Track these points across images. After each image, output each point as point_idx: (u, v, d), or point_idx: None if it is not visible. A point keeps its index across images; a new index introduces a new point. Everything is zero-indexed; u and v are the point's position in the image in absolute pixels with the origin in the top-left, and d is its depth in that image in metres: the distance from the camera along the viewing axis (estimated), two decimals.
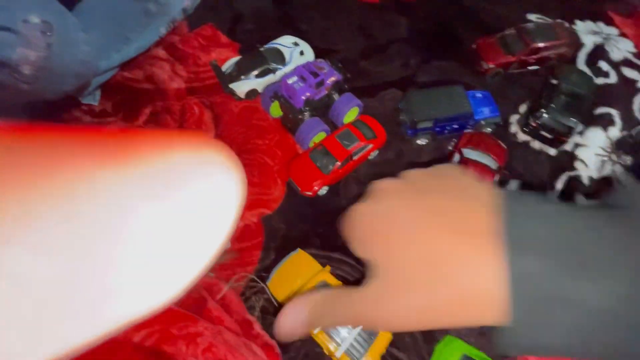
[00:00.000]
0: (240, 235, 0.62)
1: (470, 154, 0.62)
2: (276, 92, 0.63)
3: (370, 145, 0.62)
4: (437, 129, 0.63)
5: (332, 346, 0.43)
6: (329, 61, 0.66)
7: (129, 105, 0.76)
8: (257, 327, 0.48)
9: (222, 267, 0.58)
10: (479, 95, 0.67)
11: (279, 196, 0.65)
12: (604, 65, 0.77)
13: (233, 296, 0.50)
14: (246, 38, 0.82)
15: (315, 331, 0.44)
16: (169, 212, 0.12)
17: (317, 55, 0.75)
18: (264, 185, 0.67)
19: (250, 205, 0.65)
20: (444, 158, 0.67)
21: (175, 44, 0.80)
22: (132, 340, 0.36)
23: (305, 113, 0.63)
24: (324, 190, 0.60)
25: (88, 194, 0.11)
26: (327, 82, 0.63)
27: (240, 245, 0.61)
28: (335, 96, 0.66)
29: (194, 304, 0.44)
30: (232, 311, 0.48)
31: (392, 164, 0.67)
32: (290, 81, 0.61)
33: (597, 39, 0.80)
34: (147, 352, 0.36)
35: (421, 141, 0.66)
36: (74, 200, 0.11)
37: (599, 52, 0.78)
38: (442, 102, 0.63)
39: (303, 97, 0.60)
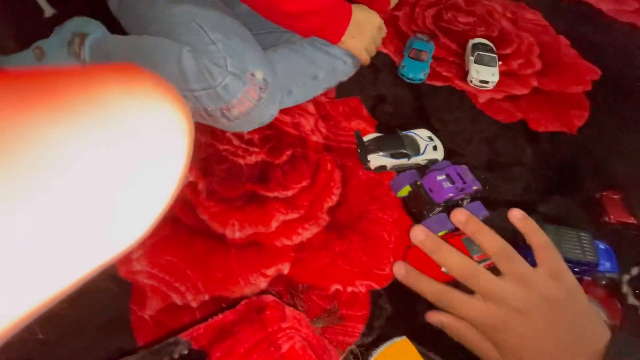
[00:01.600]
0: (348, 301, 0.63)
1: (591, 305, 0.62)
2: (416, 181, 0.69)
3: (489, 261, 0.64)
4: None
5: None
6: (469, 169, 0.72)
7: (274, 142, 0.85)
8: None
9: (326, 331, 0.59)
10: (602, 247, 0.69)
11: (390, 275, 0.68)
12: None
13: None
14: (384, 118, 0.92)
15: None
16: (107, 159, 0.11)
17: (447, 157, 0.81)
18: (377, 258, 0.69)
19: (361, 273, 0.67)
20: None
21: (323, 104, 0.90)
22: None
23: (439, 208, 0.67)
24: None
25: (17, 143, 0.10)
26: (470, 189, 0.68)
27: (346, 311, 0.62)
28: (466, 201, 0.71)
29: None
30: None
31: None
32: (439, 178, 0.66)
33: None
34: None
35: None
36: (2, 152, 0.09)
37: None
38: (572, 244, 0.65)
39: (446, 196, 0.65)
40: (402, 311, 0.62)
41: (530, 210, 0.83)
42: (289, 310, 0.45)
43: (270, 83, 0.72)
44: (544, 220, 0.80)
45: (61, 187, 0.11)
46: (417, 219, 0.70)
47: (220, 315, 0.43)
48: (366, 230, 0.72)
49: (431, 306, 0.65)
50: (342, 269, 0.67)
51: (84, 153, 0.11)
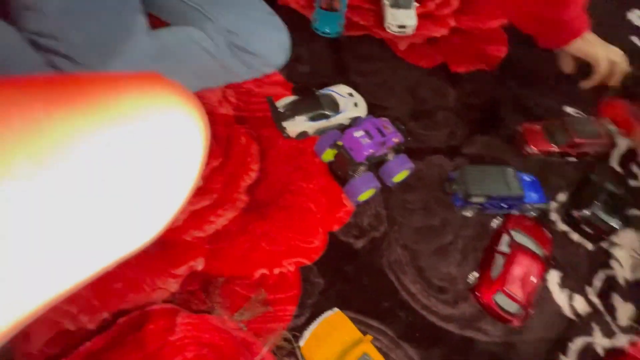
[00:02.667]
0: (276, 284, 0.57)
1: (518, 237, 0.61)
2: (336, 141, 0.62)
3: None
4: (487, 205, 0.63)
5: None
6: (389, 121, 0.66)
7: None
8: None
9: (254, 321, 0.52)
10: (527, 179, 0.68)
11: (320, 247, 0.62)
12: (635, 168, 0.81)
13: (271, 358, 0.45)
14: (300, 79, 0.83)
15: None
16: (125, 157, 0.12)
17: (368, 109, 0.76)
18: (304, 233, 0.63)
19: (288, 251, 0.61)
20: (486, 233, 0.66)
21: None
22: None
23: (362, 167, 0.61)
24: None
25: (41, 141, 0.11)
26: (391, 142, 0.62)
27: (274, 295, 0.56)
28: (390, 155, 0.66)
29: None
30: None
31: (436, 231, 0.65)
32: (356, 134, 0.60)
33: (630, 143, 0.84)
34: None
35: (467, 213, 0.65)
36: (25, 151, 0.10)
37: (630, 155, 0.82)
38: (496, 181, 0.63)
39: (366, 153, 0.59)
40: (335, 281, 0.57)
41: (455, 153, 0.79)
42: (182, 318, 0.36)
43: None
44: (470, 161, 0.77)
45: (75, 181, 0.12)
46: (344, 182, 0.63)
47: (88, 344, 0.33)
48: (290, 205, 0.64)
49: (361, 270, 0.59)
50: (266, 251, 0.59)
51: (103, 150, 0.12)
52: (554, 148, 0.78)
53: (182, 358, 0.30)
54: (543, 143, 0.78)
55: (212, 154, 0.70)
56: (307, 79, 0.83)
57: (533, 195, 0.67)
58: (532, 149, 0.77)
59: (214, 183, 0.65)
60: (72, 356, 0.32)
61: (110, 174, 0.12)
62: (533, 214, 0.68)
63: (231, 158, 0.69)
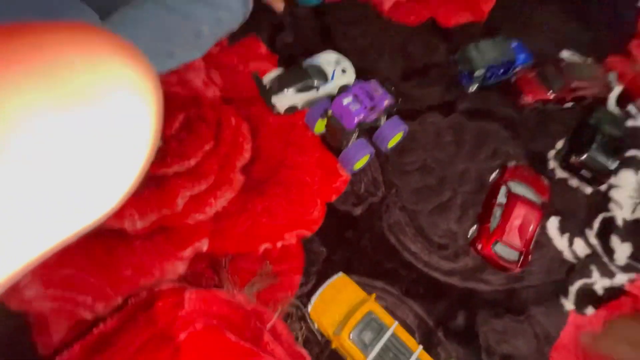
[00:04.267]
0: (280, 256, 0.59)
1: (516, 188, 0.61)
2: (326, 110, 0.61)
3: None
4: (488, 75, 0.67)
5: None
6: (379, 83, 0.65)
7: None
8: None
9: (263, 292, 0.54)
10: (514, 44, 0.77)
11: (319, 217, 0.63)
12: (633, 108, 0.79)
13: (282, 326, 0.47)
14: (285, 50, 0.80)
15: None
16: (65, 147, 0.11)
17: (358, 74, 0.74)
18: (303, 205, 0.64)
19: (289, 224, 0.62)
20: (485, 188, 0.66)
21: (215, 54, 0.77)
22: None
23: (354, 134, 0.61)
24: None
25: None
26: (381, 105, 0.61)
27: (279, 267, 0.58)
28: (383, 119, 0.65)
29: (251, 336, 0.41)
30: (283, 342, 0.44)
31: (434, 190, 0.65)
32: (345, 101, 0.59)
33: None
34: None
35: (473, 88, 0.69)
36: None
37: (627, 96, 0.80)
38: (492, 51, 0.68)
39: (356, 120, 0.58)
40: (337, 249, 0.58)
41: (451, 109, 0.78)
42: (190, 293, 0.38)
43: None
44: (468, 118, 0.76)
45: (12, 157, 0.10)
46: (338, 151, 0.63)
47: (101, 325, 0.35)
48: (286, 179, 0.65)
49: (362, 235, 0.60)
50: (267, 226, 0.60)
51: (43, 121, 0.10)
52: (550, 95, 0.76)
53: (192, 329, 0.32)
54: (538, 91, 0.76)
55: (203, 137, 0.70)
56: (292, 49, 0.80)
57: (522, 56, 0.72)
58: (528, 99, 0.75)
59: (209, 166, 0.65)
60: (87, 338, 0.33)
61: (50, 164, 0.11)
62: (529, 73, 0.71)
63: (223, 140, 0.69)
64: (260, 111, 0.73)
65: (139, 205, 0.62)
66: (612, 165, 0.65)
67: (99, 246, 0.57)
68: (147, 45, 0.63)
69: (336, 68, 0.75)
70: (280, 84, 0.71)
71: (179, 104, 0.72)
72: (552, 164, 0.71)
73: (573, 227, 0.64)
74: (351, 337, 0.42)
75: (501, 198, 0.59)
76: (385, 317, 0.45)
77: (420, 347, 0.43)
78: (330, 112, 0.63)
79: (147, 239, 0.59)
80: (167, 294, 0.37)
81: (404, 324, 0.51)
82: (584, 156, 0.66)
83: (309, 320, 0.49)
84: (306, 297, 0.53)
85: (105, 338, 0.34)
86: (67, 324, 0.50)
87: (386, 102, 0.64)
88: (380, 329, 0.44)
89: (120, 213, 0.62)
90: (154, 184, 0.64)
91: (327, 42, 0.83)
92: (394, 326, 0.43)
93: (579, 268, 0.58)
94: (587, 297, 0.57)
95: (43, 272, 0.55)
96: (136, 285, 0.52)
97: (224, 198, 0.63)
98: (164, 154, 0.67)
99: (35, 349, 0.48)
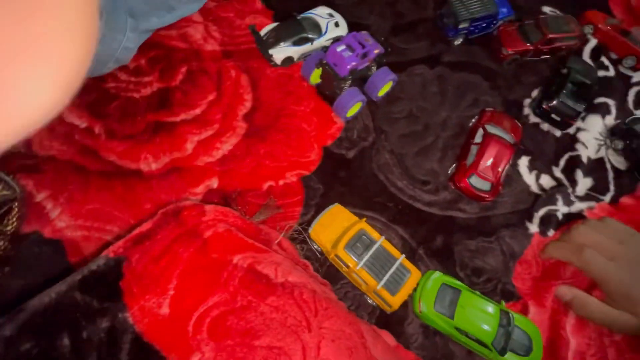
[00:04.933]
0: (282, 192, 0.67)
1: (492, 129, 0.69)
2: (321, 60, 0.67)
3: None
4: (472, 28, 0.73)
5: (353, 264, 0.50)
6: (369, 34, 0.70)
7: (164, 62, 0.77)
8: (311, 269, 0.55)
9: (268, 220, 0.63)
10: None
11: (316, 159, 0.71)
12: (605, 60, 0.86)
13: (287, 243, 0.56)
14: (280, 5, 0.84)
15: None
16: None
17: (349, 29, 0.79)
18: (301, 149, 0.71)
19: (289, 166, 0.70)
20: (464, 132, 0.74)
21: (211, 9, 0.81)
22: (232, 261, 0.41)
23: (347, 82, 0.67)
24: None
25: None
26: (372, 53, 0.67)
27: (283, 201, 0.66)
28: (374, 69, 0.71)
29: (263, 243, 0.49)
30: (288, 254, 0.54)
31: (419, 135, 0.73)
32: (339, 49, 0.65)
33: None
34: (246, 271, 0.41)
35: (457, 41, 0.76)
36: None
37: (601, 48, 0.86)
38: (476, 5, 0.73)
39: (349, 67, 0.64)
40: (332, 185, 0.66)
41: (435, 62, 0.84)
42: (210, 207, 0.46)
43: (103, 7, 0.58)
44: (450, 69, 0.83)
45: None
46: (332, 100, 0.70)
47: (138, 228, 0.43)
48: (286, 127, 0.72)
49: (354, 174, 0.69)
50: (270, 167, 0.68)
51: None
52: (529, 47, 0.82)
53: (214, 230, 0.40)
54: (518, 43, 0.82)
55: (206, 88, 0.75)
56: (286, 3, 0.84)
57: (504, 10, 0.78)
58: (508, 51, 0.82)
59: (213, 115, 0.72)
60: (126, 239, 0.41)
61: None
62: (511, 26, 0.77)
63: (225, 91, 0.75)
64: (259, 64, 0.79)
65: (152, 149, 0.69)
66: (580, 108, 0.73)
67: (119, 185, 0.65)
68: (149, 0, 0.67)
69: (329, 21, 0.80)
70: (277, 37, 0.76)
71: (181, 57, 0.77)
72: (527, 110, 0.79)
73: (541, 165, 0.73)
74: (345, 249, 0.51)
75: (478, 138, 0.67)
76: (374, 234, 0.54)
77: (403, 255, 0.53)
78: (324, 61, 0.69)
79: (162, 178, 0.67)
80: (189, 206, 0.45)
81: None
82: (555, 101, 0.74)
83: (309, 241, 0.58)
84: (307, 225, 0.62)
85: (143, 235, 0.42)
86: (97, 247, 0.58)
87: (376, 51, 0.70)
88: (370, 243, 0.53)
89: (136, 156, 0.69)
90: (164, 130, 0.71)
91: None
92: (381, 240, 0.52)
93: (546, 197, 0.68)
94: (549, 222, 0.67)
95: (71, 207, 0.63)
96: None
97: (229, 143, 0.70)
98: (171, 103, 0.73)
99: (71, 269, 0.57)
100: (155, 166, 0.66)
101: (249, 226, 0.48)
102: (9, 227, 0.47)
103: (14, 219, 0.47)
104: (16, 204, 0.48)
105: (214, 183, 0.66)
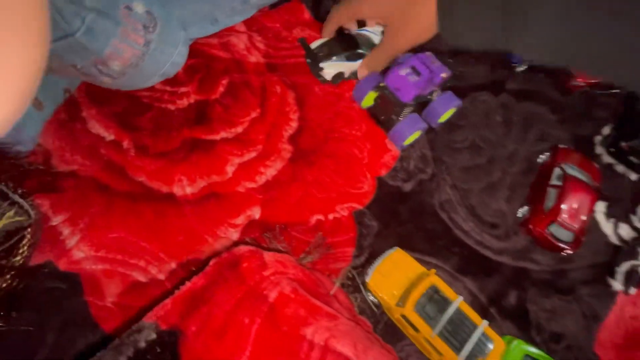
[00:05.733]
0: (332, 228, 0.58)
1: (569, 170, 0.60)
2: (380, 83, 0.59)
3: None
4: None
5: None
6: (434, 55, 0.62)
7: (203, 72, 0.69)
8: (369, 329, 0.45)
9: (317, 263, 0.53)
10: None
11: (370, 191, 0.61)
12: None
13: (342, 294, 0.46)
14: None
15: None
16: None
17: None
18: (353, 178, 0.62)
19: (340, 197, 0.61)
20: (533, 169, 0.66)
21: (256, 18, 0.73)
22: (305, 336, 0.32)
23: (408, 108, 0.59)
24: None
25: None
26: (439, 77, 0.59)
27: (332, 239, 0.57)
28: (436, 94, 0.62)
29: (324, 301, 0.40)
30: (345, 309, 0.44)
31: (484, 169, 0.65)
32: (402, 72, 0.56)
33: None
34: (323, 351, 0.32)
35: (522, 68, 0.68)
36: None
37: None
38: None
39: (414, 92, 0.56)
40: (388, 223, 0.57)
41: (500, 89, 0.76)
42: (268, 256, 0.37)
43: (159, 17, 0.50)
44: (515, 98, 0.74)
45: None
46: (388, 126, 0.61)
47: (188, 284, 0.33)
48: (335, 151, 0.63)
49: (413, 211, 0.60)
50: (318, 198, 0.58)
51: None
52: (598, 79, 0.74)
53: (279, 291, 0.31)
54: (588, 75, 0.74)
55: (249, 104, 0.67)
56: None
57: None
58: (578, 82, 0.74)
59: (257, 134, 0.63)
60: (178, 295, 0.32)
61: None
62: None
63: (269, 108, 0.66)
64: (306, 80, 0.70)
65: (187, 171, 0.60)
66: None
67: (148, 210, 0.55)
68: (193, 10, 0.59)
69: (383, 38, 0.72)
70: (329, 51, 0.68)
71: (222, 68, 0.69)
72: (599, 149, 0.70)
73: (619, 212, 0.64)
74: (415, 309, 0.41)
75: (555, 180, 0.58)
76: (448, 292, 0.44)
77: (485, 322, 0.43)
78: (383, 84, 0.61)
79: (197, 204, 0.58)
80: (249, 255, 0.35)
81: None
82: (635, 141, 0.66)
83: (364, 292, 0.48)
84: (360, 269, 0.52)
85: (197, 294, 0.32)
86: (121, 286, 0.48)
87: (444, 75, 0.62)
88: (444, 303, 0.43)
89: (169, 177, 0.60)
90: (201, 150, 0.62)
91: None
92: (458, 300, 0.42)
93: (627, 251, 0.59)
94: (632, 278, 0.57)
95: (92, 235, 0.53)
96: (189, 250, 0.50)
97: (274, 167, 0.61)
98: (210, 118, 0.64)
99: (87, 308, 0.47)
100: (191, 190, 0.56)
101: (309, 278, 0.39)
102: (17, 258, 0.37)
103: (25, 249, 0.38)
104: (29, 230, 0.38)
105: (256, 213, 0.56)
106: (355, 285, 0.52)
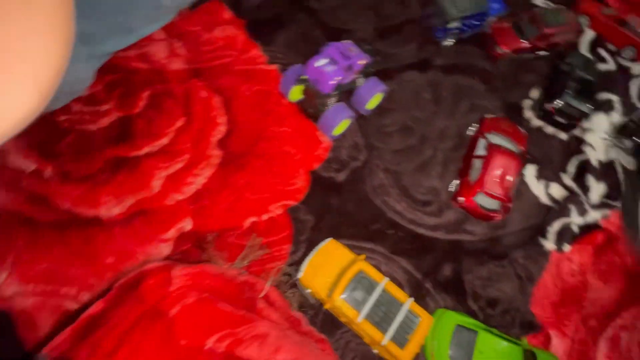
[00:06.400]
0: (267, 228, 0.58)
1: (495, 139, 0.62)
2: (300, 76, 0.58)
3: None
4: (463, 27, 0.67)
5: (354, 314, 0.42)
6: (352, 42, 0.62)
7: (123, 87, 0.67)
8: (304, 323, 0.46)
9: (254, 265, 0.54)
10: None
11: (304, 186, 0.62)
12: (603, 53, 0.79)
13: (275, 294, 0.47)
14: (252, 14, 0.75)
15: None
16: None
17: (331, 36, 0.70)
18: (286, 176, 0.62)
19: (273, 196, 0.61)
20: (464, 143, 0.67)
21: (174, 23, 0.71)
22: (205, 346, 0.32)
23: (332, 98, 0.59)
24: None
25: None
26: (358, 65, 0.59)
27: (268, 239, 0.57)
28: (360, 80, 0.62)
29: (245, 305, 0.40)
30: (277, 308, 0.45)
31: (415, 149, 0.65)
32: (318, 64, 0.56)
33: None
34: (224, 358, 0.32)
35: (448, 42, 0.68)
36: None
37: (598, 39, 0.80)
38: (465, 2, 0.66)
39: (333, 82, 0.56)
40: (323, 215, 0.58)
41: (427, 65, 0.76)
42: (178, 271, 0.37)
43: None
44: (444, 74, 0.75)
45: None
46: (316, 118, 0.61)
47: (90, 309, 0.33)
48: (267, 151, 0.62)
49: (347, 200, 0.60)
50: (251, 200, 0.58)
51: None
52: (525, 44, 0.75)
53: (184, 303, 0.31)
54: (513, 40, 0.75)
55: (172, 114, 0.66)
56: (259, 13, 0.75)
57: (494, 6, 0.71)
58: (503, 49, 0.74)
59: (183, 143, 0.62)
60: (76, 324, 0.32)
61: None
62: (504, 22, 0.71)
63: (195, 115, 0.65)
64: (232, 82, 0.69)
65: (113, 191, 0.59)
66: (586, 108, 0.66)
67: (76, 237, 0.55)
68: (108, 23, 0.57)
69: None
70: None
71: (142, 80, 0.67)
72: (528, 113, 0.72)
73: (549, 173, 0.66)
74: (344, 297, 0.42)
75: (480, 150, 0.59)
76: (375, 275, 0.45)
77: (411, 298, 0.45)
78: (304, 77, 0.60)
79: (126, 224, 0.57)
80: (155, 272, 0.35)
81: (393, 280, 0.52)
82: (558, 102, 0.67)
83: (299, 287, 0.49)
84: (297, 265, 0.53)
85: (94, 321, 0.32)
86: (54, 317, 0.48)
87: (362, 62, 0.61)
88: (371, 287, 0.44)
89: (94, 200, 0.59)
90: (126, 168, 0.61)
91: (296, 4, 0.78)
92: (384, 282, 0.44)
93: (558, 209, 0.61)
94: (565, 236, 0.59)
95: (20, 269, 0.52)
96: (120, 272, 0.50)
97: (203, 175, 0.60)
98: (132, 135, 0.63)
99: (22, 346, 0.47)
100: (118, 210, 0.56)
101: (229, 284, 0.39)
102: None
103: None
104: None
105: (187, 225, 0.56)
106: (292, 281, 0.53)
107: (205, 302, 0.39)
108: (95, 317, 0.39)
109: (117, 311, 0.39)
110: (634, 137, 0.76)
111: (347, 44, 0.63)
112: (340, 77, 0.58)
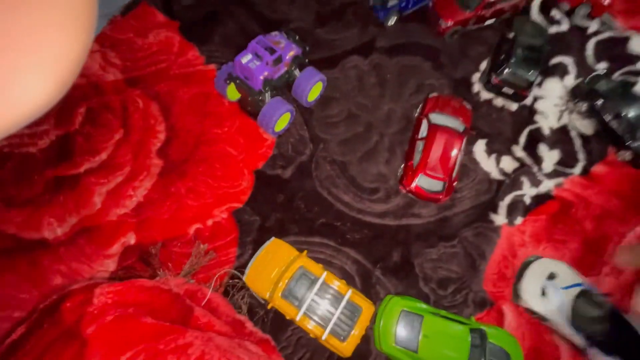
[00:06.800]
0: (212, 233, 0.59)
1: (437, 118, 0.61)
2: (231, 74, 0.57)
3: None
4: (403, 4, 0.67)
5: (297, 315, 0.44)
6: (284, 33, 0.61)
7: (60, 104, 0.67)
8: (249, 325, 0.47)
9: (200, 271, 0.55)
10: None
11: (248, 187, 0.62)
12: (556, 13, 0.77)
13: (219, 299, 0.48)
14: (187, 15, 0.74)
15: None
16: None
17: (270, 27, 0.69)
18: (229, 178, 0.63)
19: (217, 200, 0.61)
20: (411, 125, 0.66)
21: (106, 33, 0.70)
22: None
23: (266, 94, 0.58)
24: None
25: None
26: (286, 57, 0.58)
27: (214, 244, 0.58)
28: (296, 72, 0.61)
29: (178, 315, 0.41)
30: (221, 314, 0.46)
31: (362, 137, 0.65)
32: (244, 60, 0.55)
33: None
34: None
35: (391, 21, 0.69)
36: None
37: (550, 1, 0.77)
38: None
39: (261, 77, 0.55)
40: (269, 215, 0.59)
41: (370, 48, 0.75)
42: (101, 290, 0.37)
43: None
44: (387, 55, 0.73)
45: None
46: (256, 115, 0.60)
47: (12, 335, 0.34)
48: (209, 155, 0.62)
49: (294, 196, 0.60)
50: (194, 207, 0.59)
51: None
52: (468, 14, 0.73)
53: (101, 322, 0.31)
54: (456, 13, 0.73)
55: (111, 127, 0.66)
56: (193, 12, 0.74)
57: None
58: (447, 23, 0.73)
59: (122, 157, 0.62)
60: None
61: None
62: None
63: (133, 126, 0.65)
64: (168, 87, 0.69)
65: (55, 212, 0.59)
66: (533, 76, 0.65)
67: (23, 262, 0.56)
68: None
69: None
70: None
71: (78, 96, 0.67)
72: (477, 87, 0.71)
73: (500, 146, 0.66)
74: (284, 295, 0.43)
75: (423, 132, 0.59)
76: (315, 270, 0.46)
77: (350, 290, 0.45)
78: (234, 74, 0.60)
79: (71, 243, 0.58)
80: (76, 293, 0.35)
81: (343, 272, 0.53)
82: (503, 73, 0.66)
83: (246, 289, 0.50)
84: (244, 267, 0.54)
85: (13, 346, 0.33)
86: (3, 342, 0.50)
87: (291, 53, 0.60)
88: (312, 282, 0.45)
89: (38, 223, 0.60)
90: (67, 187, 0.61)
91: None
92: (323, 276, 0.44)
93: (510, 183, 0.61)
94: (516, 209, 0.59)
95: None
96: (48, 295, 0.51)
97: (143, 187, 0.61)
98: (71, 152, 0.63)
99: None
100: (62, 231, 0.56)
101: (159, 297, 0.39)
102: None
103: None
104: None
105: (131, 239, 0.57)
106: (240, 284, 0.54)
107: (123, 319, 0.39)
108: (15, 343, 0.39)
109: (34, 335, 0.39)
110: (587, 99, 0.73)
111: (274, 36, 0.60)
112: (267, 72, 0.55)
